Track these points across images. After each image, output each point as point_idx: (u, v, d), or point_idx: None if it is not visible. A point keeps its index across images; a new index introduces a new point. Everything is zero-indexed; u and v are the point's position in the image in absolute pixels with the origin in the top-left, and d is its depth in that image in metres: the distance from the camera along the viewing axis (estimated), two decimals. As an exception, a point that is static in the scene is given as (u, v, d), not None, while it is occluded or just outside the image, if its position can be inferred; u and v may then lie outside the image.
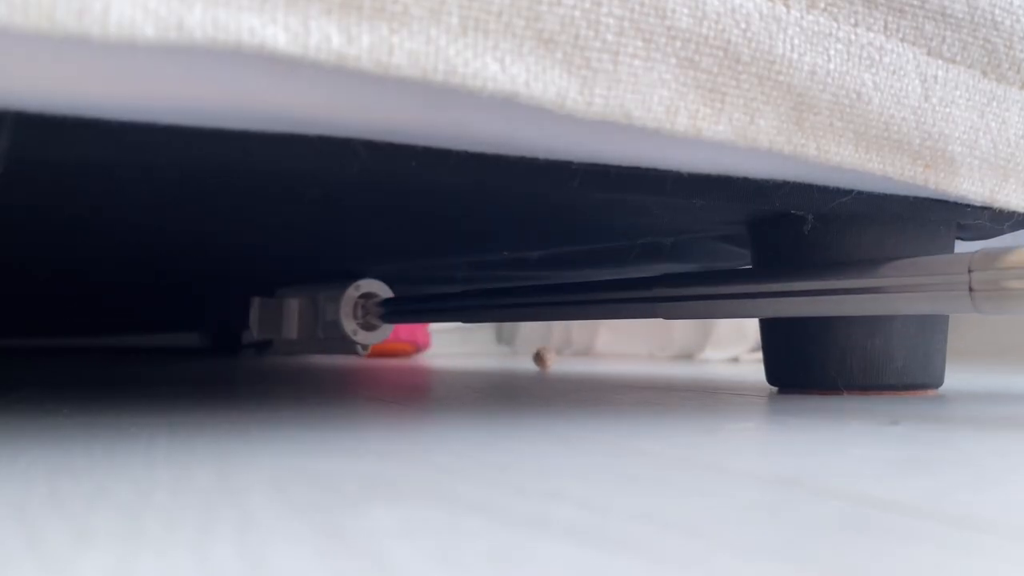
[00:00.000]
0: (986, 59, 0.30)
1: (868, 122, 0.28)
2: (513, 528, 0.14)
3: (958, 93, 0.29)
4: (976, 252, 0.31)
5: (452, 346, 1.75)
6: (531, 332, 1.87)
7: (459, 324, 1.79)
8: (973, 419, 0.32)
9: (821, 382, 0.43)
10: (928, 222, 0.41)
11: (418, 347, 1.47)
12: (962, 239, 0.46)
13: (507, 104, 0.23)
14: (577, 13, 0.23)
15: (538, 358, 0.84)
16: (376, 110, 0.25)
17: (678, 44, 0.24)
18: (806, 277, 0.38)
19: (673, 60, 0.24)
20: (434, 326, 1.70)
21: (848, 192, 0.32)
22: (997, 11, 0.29)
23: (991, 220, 0.40)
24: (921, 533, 0.14)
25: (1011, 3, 0.30)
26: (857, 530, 0.14)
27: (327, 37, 0.20)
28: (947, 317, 0.44)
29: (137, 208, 0.41)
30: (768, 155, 0.28)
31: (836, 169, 0.29)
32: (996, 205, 0.31)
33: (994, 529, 0.14)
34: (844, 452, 0.23)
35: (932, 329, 0.42)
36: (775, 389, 0.46)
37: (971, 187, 0.30)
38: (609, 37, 0.23)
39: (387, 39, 0.21)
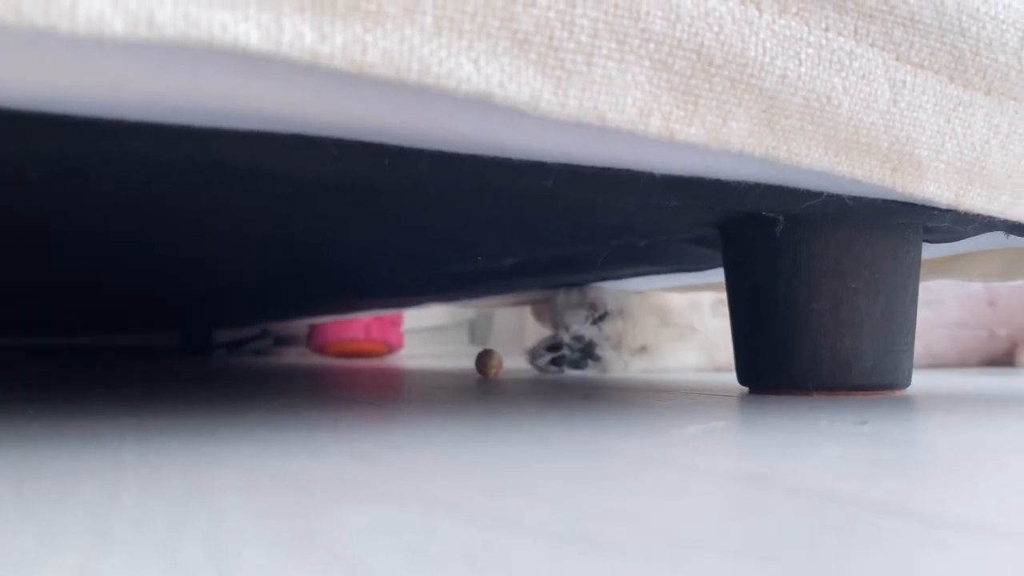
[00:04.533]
0: (953, 65, 0.30)
1: (838, 125, 0.28)
2: (487, 528, 0.14)
3: (925, 98, 0.30)
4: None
5: (426, 346, 1.74)
6: (505, 332, 1.87)
7: (433, 324, 1.79)
8: (939, 418, 0.33)
9: (792, 383, 0.43)
10: (896, 224, 0.42)
11: (391, 347, 1.47)
12: (929, 242, 0.47)
13: (482, 104, 0.23)
14: (552, 14, 0.23)
15: (481, 364, 0.66)
16: (350, 109, 0.24)
17: (652, 46, 0.25)
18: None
19: (647, 62, 0.25)
20: (407, 326, 1.70)
21: (819, 194, 0.33)
22: (964, 18, 0.30)
23: (955, 223, 0.40)
24: (889, 530, 0.14)
25: (977, 10, 0.30)
26: (826, 528, 0.14)
27: (300, 35, 0.20)
28: (915, 319, 0.45)
29: (108, 211, 0.40)
30: (740, 157, 0.28)
31: (806, 171, 0.30)
32: (961, 208, 0.32)
33: (960, 526, 0.14)
34: (814, 451, 0.23)
35: (900, 330, 0.43)
36: (747, 390, 0.47)
37: (937, 190, 0.31)
38: (583, 39, 0.23)
39: (361, 38, 0.21)
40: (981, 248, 0.49)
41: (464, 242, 0.48)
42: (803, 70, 0.27)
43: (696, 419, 0.33)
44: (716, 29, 0.25)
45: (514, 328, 1.84)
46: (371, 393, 0.50)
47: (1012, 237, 0.45)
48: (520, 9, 0.22)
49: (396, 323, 1.48)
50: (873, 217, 0.39)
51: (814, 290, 0.42)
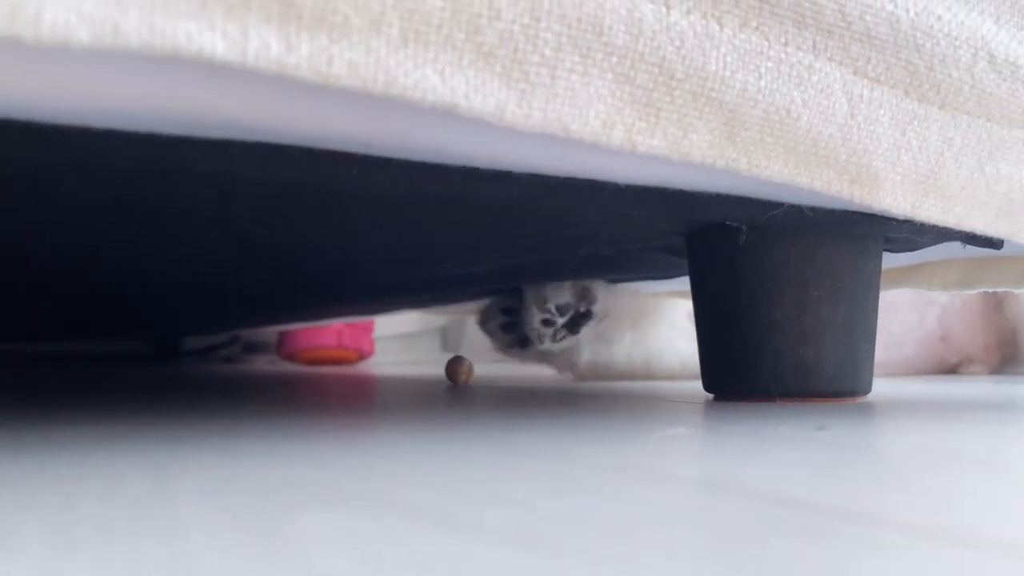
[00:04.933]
0: (908, 80, 0.31)
1: (797, 138, 0.29)
2: (448, 532, 0.15)
3: (882, 112, 0.31)
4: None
5: (397, 353, 1.74)
6: (477, 339, 1.87)
7: (404, 331, 1.78)
8: (894, 424, 0.34)
9: (755, 389, 0.44)
10: (857, 235, 0.43)
11: (362, 355, 1.46)
12: (890, 251, 0.48)
13: (448, 115, 0.24)
14: (516, 28, 0.23)
15: (451, 371, 0.65)
16: (318, 118, 0.25)
17: (614, 60, 0.25)
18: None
19: (610, 75, 0.25)
20: (378, 332, 1.69)
21: (779, 205, 0.34)
22: (919, 35, 0.31)
23: (913, 233, 0.41)
24: (837, 533, 0.15)
25: (932, 28, 0.31)
26: (778, 531, 0.15)
27: (266, 45, 0.20)
28: (875, 327, 0.45)
29: (74, 217, 0.40)
30: (703, 168, 0.29)
31: (767, 183, 0.30)
32: (918, 218, 0.33)
33: (909, 530, 0.15)
34: (771, 456, 0.24)
35: (861, 338, 0.44)
36: (712, 396, 0.47)
37: (894, 201, 0.32)
38: (547, 52, 0.24)
39: (327, 48, 0.21)
40: (939, 258, 0.50)
41: (432, 249, 0.48)
42: (763, 83, 0.28)
43: (660, 426, 0.34)
44: (678, 43, 0.26)
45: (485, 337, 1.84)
46: (339, 400, 0.50)
47: (968, 247, 0.46)
48: (485, 22, 0.23)
49: (367, 330, 1.48)
50: (834, 227, 0.40)
51: (777, 299, 0.43)
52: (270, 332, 1.52)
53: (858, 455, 0.24)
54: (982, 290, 0.49)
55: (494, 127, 0.25)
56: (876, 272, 0.45)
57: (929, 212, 0.33)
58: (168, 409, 0.40)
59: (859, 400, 0.45)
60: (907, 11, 0.30)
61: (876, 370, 0.47)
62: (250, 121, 0.24)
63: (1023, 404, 0.47)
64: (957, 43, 0.32)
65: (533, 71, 0.24)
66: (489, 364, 1.52)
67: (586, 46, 0.24)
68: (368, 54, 0.21)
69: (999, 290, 0.48)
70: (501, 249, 0.47)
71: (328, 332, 1.41)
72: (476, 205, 0.37)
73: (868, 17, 0.30)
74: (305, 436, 0.29)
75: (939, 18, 0.31)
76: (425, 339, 1.86)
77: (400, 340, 1.74)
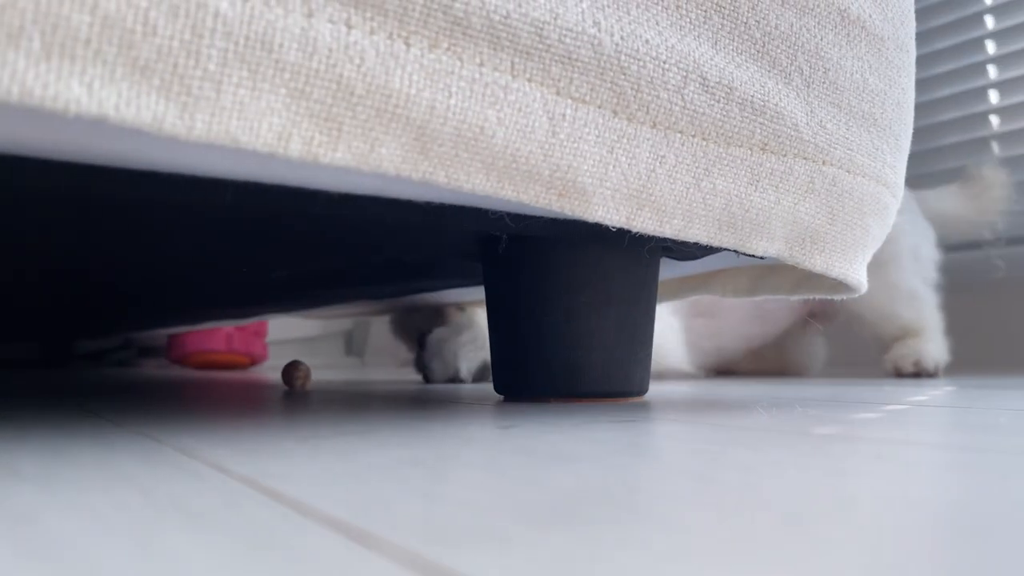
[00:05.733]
0: (616, 100, 0.33)
1: (495, 154, 0.31)
2: (152, 519, 0.16)
3: (587, 130, 0.33)
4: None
5: (297, 357, 1.73)
6: (382, 343, 1.87)
7: (305, 335, 1.77)
8: (605, 421, 0.35)
9: (533, 391, 0.46)
10: (628, 243, 0.45)
11: (254, 359, 1.45)
12: (675, 259, 0.50)
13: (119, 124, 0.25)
14: (176, 44, 0.25)
15: (287, 375, 0.66)
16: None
17: (287, 76, 0.26)
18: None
19: (283, 90, 0.26)
20: (278, 336, 1.68)
21: (498, 214, 0.35)
22: (623, 58, 0.33)
23: (682, 244, 0.44)
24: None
25: (637, 51, 0.33)
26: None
27: None
28: (651, 331, 0.48)
29: None
30: (403, 180, 0.30)
31: (475, 195, 0.32)
32: (634, 229, 0.35)
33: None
34: (458, 455, 0.26)
35: (631, 342, 0.46)
36: (502, 397, 0.49)
37: (606, 213, 0.34)
38: (211, 67, 0.25)
39: (-45, 60, 0.22)
40: (722, 266, 0.53)
41: (227, 256, 0.49)
42: (453, 102, 0.29)
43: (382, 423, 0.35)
44: (358, 62, 0.27)
45: (392, 339, 1.84)
46: (122, 403, 0.50)
47: (743, 257, 0.49)
48: (139, 38, 0.24)
49: (260, 334, 1.47)
50: (598, 236, 0.42)
51: (549, 303, 0.45)
52: (164, 336, 1.50)
53: (539, 447, 0.26)
54: (764, 296, 0.51)
55: (178, 138, 0.26)
56: (650, 278, 0.47)
57: (645, 224, 0.35)
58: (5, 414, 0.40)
59: (633, 400, 0.47)
60: (611, 35, 0.32)
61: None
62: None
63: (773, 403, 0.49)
64: (666, 66, 0.34)
65: (196, 85, 0.25)
66: (391, 369, 1.52)
67: (255, 62, 0.26)
68: (4, 67, 0.22)
69: (778, 296, 0.51)
70: (293, 256, 0.48)
71: (218, 336, 1.40)
72: (256, 214, 0.38)
73: (568, 40, 0.31)
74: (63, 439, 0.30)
75: (647, 42, 0.33)
76: (327, 343, 1.85)
77: (300, 344, 1.73)
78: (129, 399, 0.54)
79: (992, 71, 1.33)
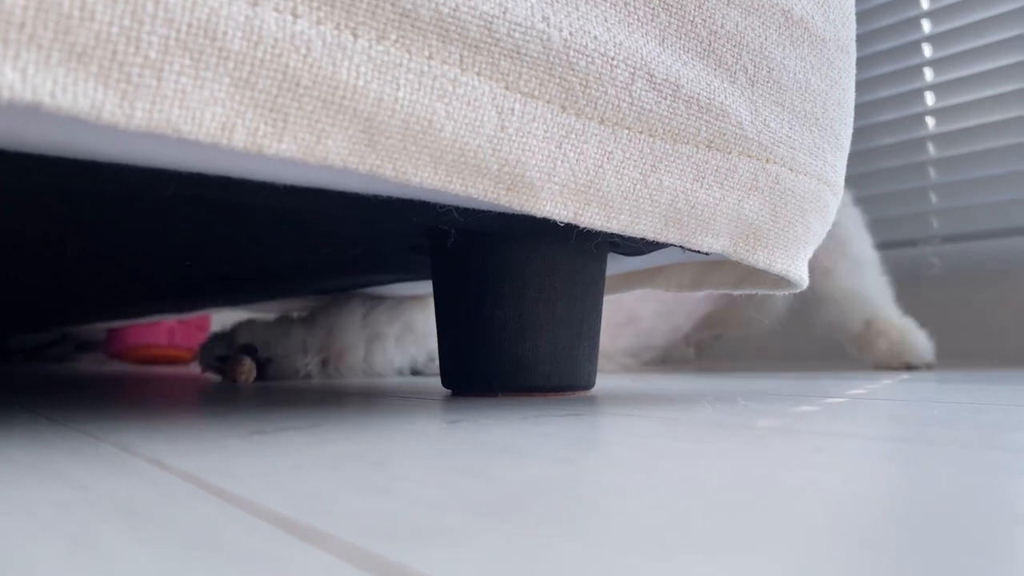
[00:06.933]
0: (564, 95, 0.33)
1: (443, 147, 0.31)
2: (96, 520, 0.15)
3: (536, 125, 0.33)
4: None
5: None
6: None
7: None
8: (553, 415, 0.36)
9: (481, 385, 0.46)
10: (573, 237, 0.45)
11: (196, 353, 1.42)
12: (623, 254, 0.51)
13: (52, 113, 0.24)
14: (115, 30, 0.24)
15: (231, 370, 0.66)
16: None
17: (231, 65, 0.26)
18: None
19: (227, 80, 0.26)
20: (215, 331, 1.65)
21: (447, 208, 0.35)
22: (572, 53, 0.33)
23: (629, 239, 0.44)
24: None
25: (586, 47, 0.33)
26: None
27: None
28: (598, 326, 0.48)
29: None
30: (356, 174, 0.30)
31: (423, 189, 0.32)
32: (582, 224, 0.35)
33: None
34: (403, 450, 0.25)
35: (579, 336, 0.47)
36: (450, 392, 0.49)
37: (554, 209, 0.34)
38: (152, 54, 0.24)
39: None
40: (668, 262, 0.54)
41: (173, 249, 0.48)
42: (401, 94, 0.29)
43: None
44: (304, 52, 0.27)
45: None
46: (66, 398, 0.49)
47: (688, 252, 0.50)
48: (77, 23, 0.23)
49: (203, 328, 1.44)
50: (546, 231, 0.42)
51: (498, 298, 0.45)
52: (102, 330, 1.46)
53: (483, 439, 0.26)
54: (708, 290, 0.52)
55: (117, 128, 0.25)
56: (598, 273, 0.48)
57: (592, 219, 0.35)
58: None
59: (579, 394, 0.47)
60: (559, 30, 0.33)
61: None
62: None
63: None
64: (614, 62, 0.34)
65: (136, 72, 0.24)
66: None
67: (198, 50, 0.25)
68: (-69, 50, 0.21)
69: (722, 291, 0.52)
70: (238, 249, 0.47)
71: (159, 330, 1.37)
72: (197, 205, 0.37)
73: (517, 34, 0.31)
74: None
75: (595, 38, 0.34)
76: (273, 338, 1.82)
77: (244, 339, 1.70)
78: (66, 395, 0.53)
79: (928, 74, 1.37)
